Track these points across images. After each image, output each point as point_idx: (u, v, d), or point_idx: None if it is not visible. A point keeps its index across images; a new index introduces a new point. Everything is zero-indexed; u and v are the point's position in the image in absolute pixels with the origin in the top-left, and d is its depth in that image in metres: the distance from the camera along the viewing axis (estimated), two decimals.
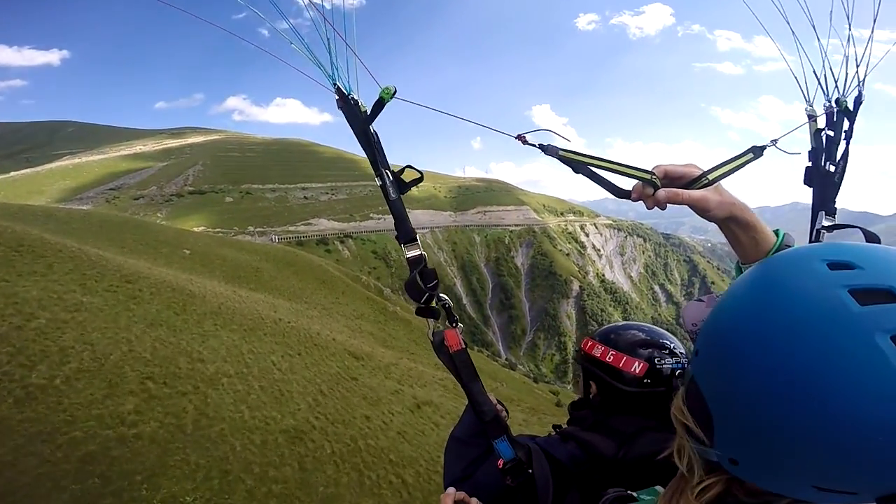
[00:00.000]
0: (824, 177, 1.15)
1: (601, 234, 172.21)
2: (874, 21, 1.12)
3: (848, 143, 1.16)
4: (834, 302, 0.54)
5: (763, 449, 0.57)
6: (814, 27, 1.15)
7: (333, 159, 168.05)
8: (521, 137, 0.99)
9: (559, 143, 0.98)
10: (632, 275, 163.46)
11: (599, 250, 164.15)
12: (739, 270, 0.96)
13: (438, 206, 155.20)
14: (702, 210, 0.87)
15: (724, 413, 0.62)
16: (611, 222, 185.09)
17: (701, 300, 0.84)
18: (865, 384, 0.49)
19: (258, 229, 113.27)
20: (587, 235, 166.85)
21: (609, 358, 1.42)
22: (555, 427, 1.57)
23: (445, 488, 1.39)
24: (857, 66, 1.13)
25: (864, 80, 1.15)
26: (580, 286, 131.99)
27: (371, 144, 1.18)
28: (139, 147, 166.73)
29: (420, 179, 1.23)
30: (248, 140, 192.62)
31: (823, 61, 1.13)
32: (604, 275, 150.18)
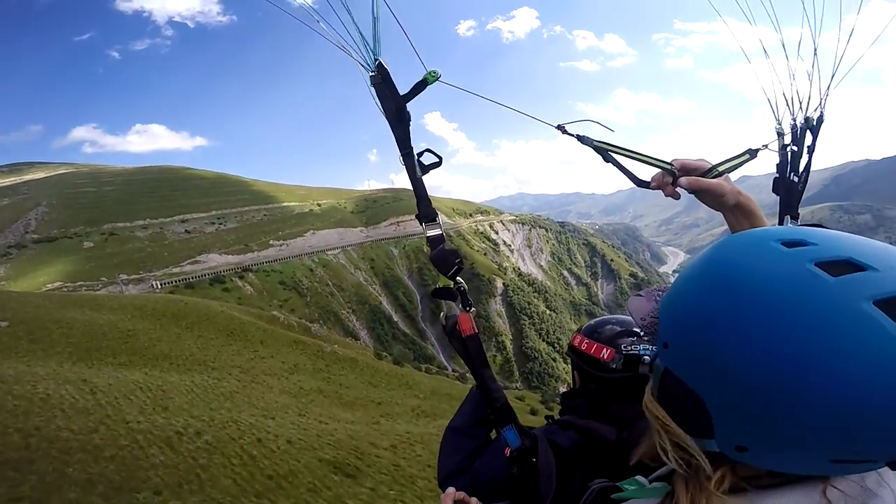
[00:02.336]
0: (789, 185, 1.28)
1: (508, 230, 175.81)
2: (839, 59, 1.23)
3: (811, 157, 1.29)
4: (806, 276, 0.54)
5: (773, 433, 0.56)
6: (786, 56, 1.26)
7: (216, 184, 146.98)
8: (560, 127, 1.08)
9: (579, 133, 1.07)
10: (542, 264, 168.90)
11: (510, 245, 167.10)
12: None
13: (348, 222, 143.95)
14: (718, 195, 0.97)
15: (721, 404, 0.60)
16: (514, 218, 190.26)
17: (640, 295, 0.86)
18: (864, 352, 0.50)
19: (133, 276, 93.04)
20: (497, 233, 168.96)
21: (584, 346, 1.51)
22: (548, 419, 1.57)
23: (441, 482, 1.40)
24: (821, 91, 1.26)
25: (825, 102, 1.28)
26: (503, 283, 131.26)
27: (405, 123, 1.19)
28: None
29: (439, 163, 1.24)
30: (103, 171, 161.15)
31: (792, 85, 1.26)
32: (519, 268, 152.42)
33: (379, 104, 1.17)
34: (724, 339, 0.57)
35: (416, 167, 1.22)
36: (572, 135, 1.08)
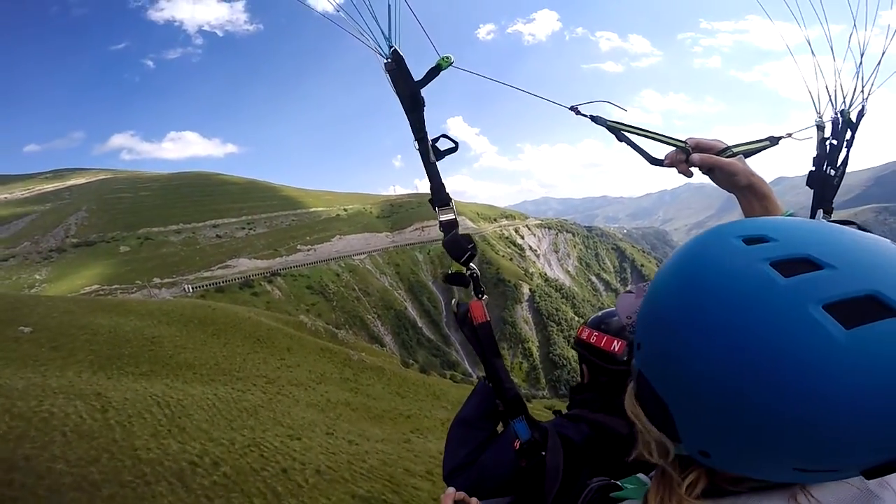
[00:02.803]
0: (824, 179, 1.26)
1: (534, 235, 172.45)
2: (882, 53, 1.22)
3: (849, 151, 1.27)
4: (759, 277, 0.52)
5: (728, 438, 0.55)
6: (832, 51, 1.24)
7: (246, 189, 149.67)
8: (574, 108, 1.09)
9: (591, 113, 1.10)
10: (569, 269, 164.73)
11: (536, 250, 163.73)
12: None
13: (373, 227, 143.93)
14: (729, 174, 0.96)
15: (680, 407, 0.58)
16: (540, 222, 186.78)
17: (630, 292, 0.83)
18: (810, 360, 0.48)
19: (167, 280, 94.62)
20: (522, 238, 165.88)
21: (593, 339, 1.50)
22: (555, 412, 1.57)
23: (446, 476, 1.39)
24: (864, 86, 1.25)
25: (867, 97, 1.26)
26: (530, 289, 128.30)
27: (420, 109, 1.19)
28: (3, 195, 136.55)
29: (455, 149, 1.25)
30: (140, 177, 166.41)
31: (836, 81, 1.24)
32: (546, 274, 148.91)
33: (394, 89, 1.18)
34: (680, 341, 0.56)
35: (429, 152, 1.22)
36: (586, 115, 1.09)
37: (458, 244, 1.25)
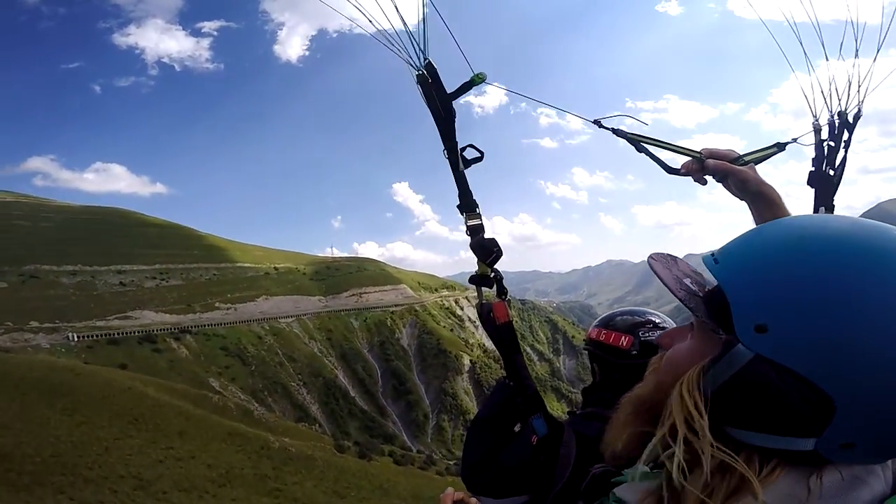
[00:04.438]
0: (824, 179, 1.32)
1: (472, 306, 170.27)
2: (877, 51, 1.31)
3: (846, 151, 1.34)
4: None
5: None
6: (825, 51, 1.31)
7: (165, 234, 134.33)
8: (597, 122, 1.18)
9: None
10: None
11: (475, 321, 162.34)
12: None
13: (305, 289, 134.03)
14: (742, 181, 1.02)
15: (856, 398, 0.51)
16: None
17: (654, 259, 0.73)
18: None
19: (46, 325, 79.19)
20: (462, 308, 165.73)
21: (602, 337, 1.62)
22: (569, 413, 1.66)
23: (464, 475, 1.49)
24: (859, 87, 1.31)
25: (863, 99, 1.32)
26: (471, 360, 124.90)
27: (451, 119, 1.29)
28: None
29: (481, 158, 1.35)
30: (45, 205, 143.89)
31: (830, 83, 1.31)
32: (484, 345, 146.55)
33: (425, 101, 1.27)
34: (883, 323, 0.50)
35: (459, 161, 1.32)
36: (608, 128, 1.18)
37: (485, 247, 1.34)
